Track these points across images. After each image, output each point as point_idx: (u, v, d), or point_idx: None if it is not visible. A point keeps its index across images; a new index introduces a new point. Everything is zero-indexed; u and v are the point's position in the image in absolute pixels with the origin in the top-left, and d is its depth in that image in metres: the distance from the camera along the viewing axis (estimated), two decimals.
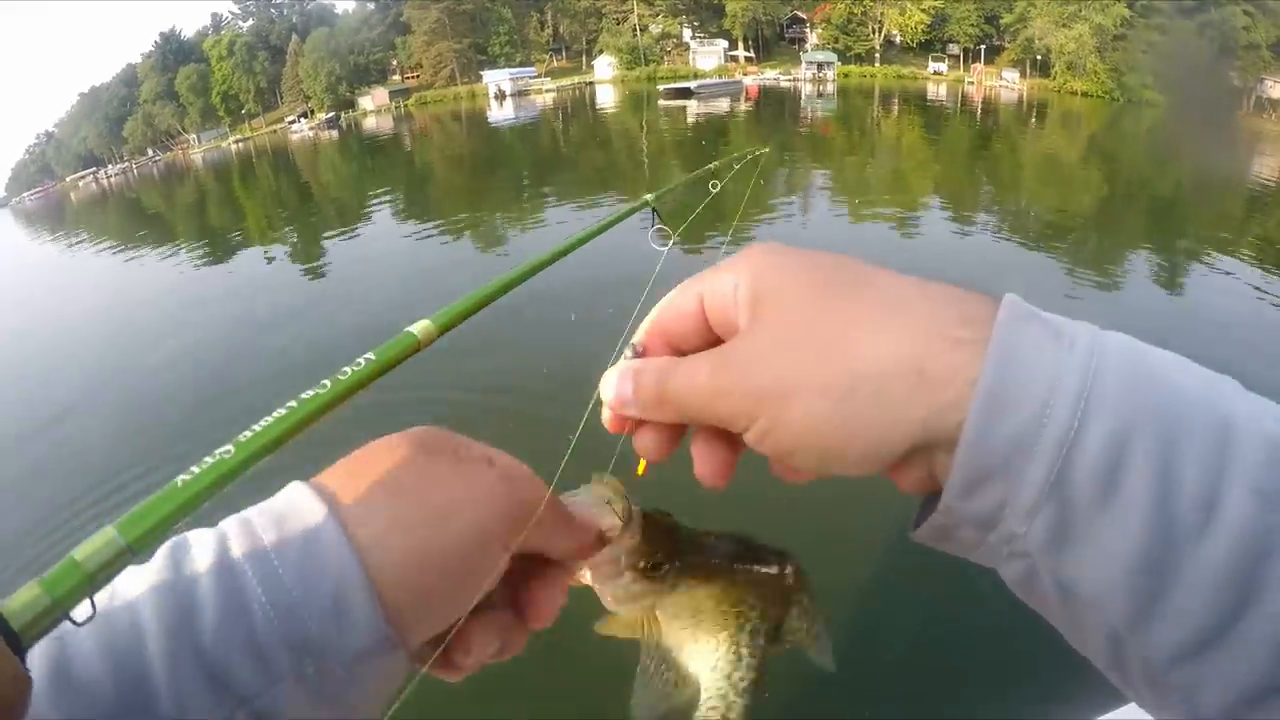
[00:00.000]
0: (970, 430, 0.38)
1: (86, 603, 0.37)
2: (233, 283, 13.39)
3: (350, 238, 15.96)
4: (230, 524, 0.45)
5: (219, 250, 15.66)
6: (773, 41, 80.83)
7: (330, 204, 22.18)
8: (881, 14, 73.92)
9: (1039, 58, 72.87)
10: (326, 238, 16.16)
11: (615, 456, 0.60)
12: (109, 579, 0.38)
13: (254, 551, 0.43)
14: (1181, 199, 25.49)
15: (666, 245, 1.15)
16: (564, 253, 0.91)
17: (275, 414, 0.47)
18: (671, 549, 0.60)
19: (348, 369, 0.51)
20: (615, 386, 0.51)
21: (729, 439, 0.50)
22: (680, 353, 0.50)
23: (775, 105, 51.05)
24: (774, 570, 0.63)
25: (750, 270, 0.47)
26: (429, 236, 15.25)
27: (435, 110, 57.77)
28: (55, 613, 0.36)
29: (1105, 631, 0.38)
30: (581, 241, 0.98)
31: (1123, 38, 70.90)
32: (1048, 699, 3.08)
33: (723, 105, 47.66)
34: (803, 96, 58.61)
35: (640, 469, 0.59)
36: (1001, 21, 75.78)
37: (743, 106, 48.42)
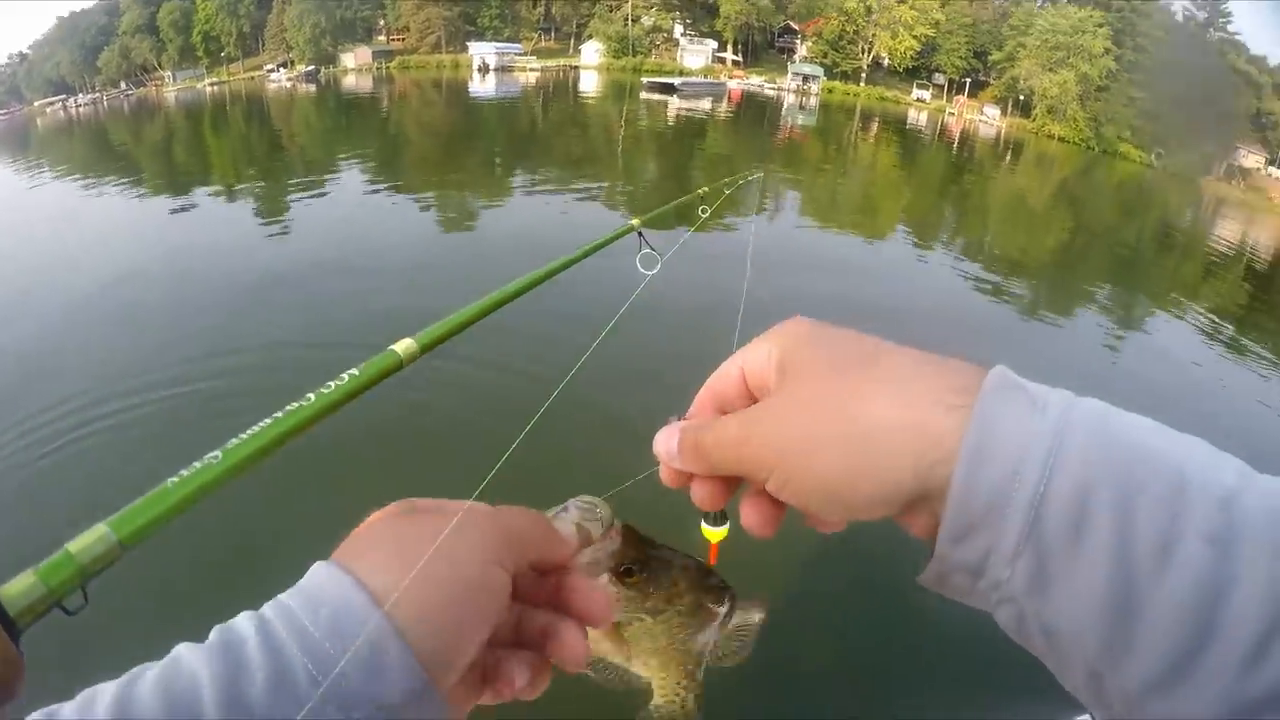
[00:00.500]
0: (956, 483, 0.43)
1: (79, 593, 0.40)
2: (190, 227, 13.03)
3: (316, 195, 15.59)
4: (266, 606, 0.48)
5: (181, 192, 15.24)
6: (762, 48, 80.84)
7: (300, 159, 21.75)
8: (873, 35, 74.15)
9: (1022, 98, 73.67)
10: (292, 192, 15.77)
11: (631, 482, 0.67)
12: (99, 572, 0.41)
13: (289, 618, 0.46)
14: (1142, 254, 25.82)
15: (653, 269, 1.21)
16: (549, 275, 0.93)
17: (261, 424, 0.50)
18: (643, 559, 0.67)
19: (331, 384, 0.56)
20: (663, 443, 0.58)
21: (772, 496, 0.55)
22: (724, 413, 0.57)
23: (756, 112, 51.04)
24: (720, 604, 0.71)
25: (781, 342, 0.54)
26: (395, 203, 14.96)
27: (417, 76, 57.31)
28: (49, 601, 0.39)
29: (1086, 668, 0.42)
30: (567, 265, 1.01)
31: (1106, 89, 71.82)
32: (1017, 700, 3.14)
33: (704, 105, 47.61)
34: (785, 106, 59.02)
35: (711, 556, 0.70)
36: (989, 58, 76.50)
37: (724, 109, 48.40)
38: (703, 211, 1.70)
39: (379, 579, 0.48)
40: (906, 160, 37.32)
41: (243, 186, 16.61)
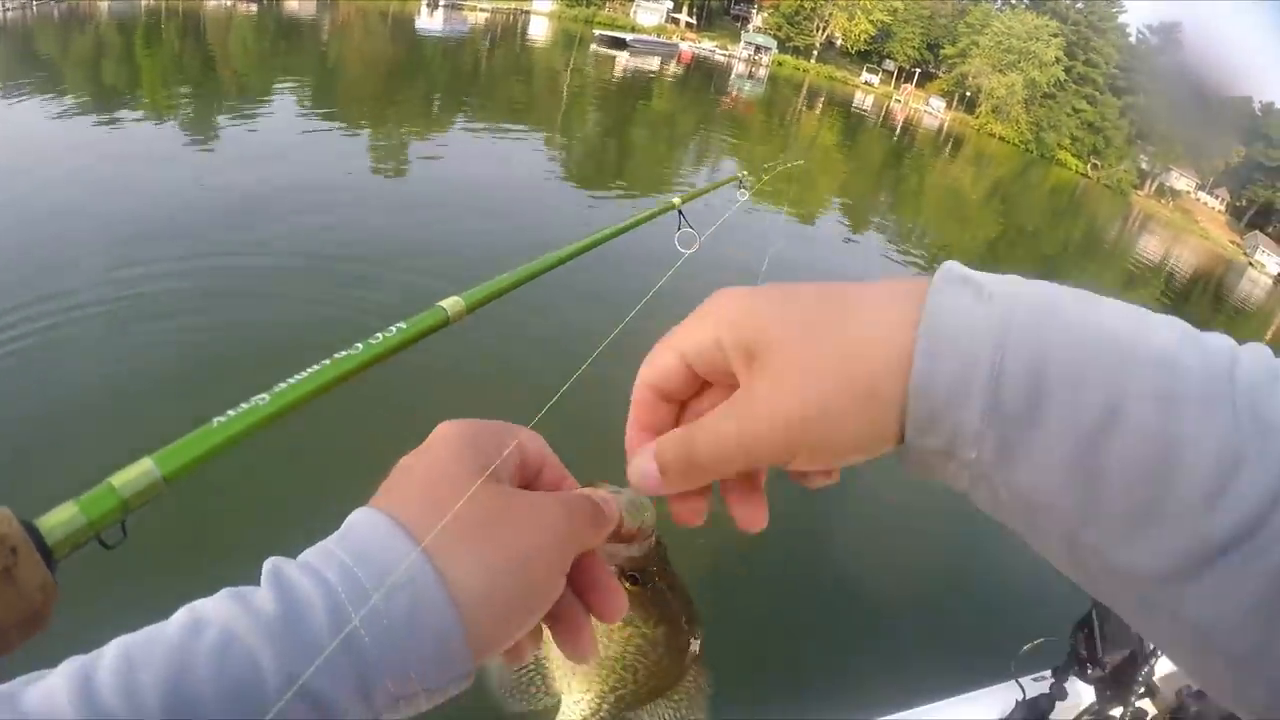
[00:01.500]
0: (915, 378, 0.44)
1: (118, 527, 0.40)
2: (112, 144, 12.26)
3: (247, 120, 14.79)
4: (331, 569, 0.45)
5: (107, 109, 14.30)
6: (717, 14, 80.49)
7: (234, 82, 20.80)
8: (830, 15, 74.27)
9: (968, 94, 74.55)
10: (223, 117, 14.93)
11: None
12: (141, 505, 0.41)
13: (362, 601, 0.44)
14: (1067, 257, 26.16)
15: (691, 248, 1.24)
16: (591, 245, 0.96)
17: (309, 370, 0.51)
18: (654, 577, 0.67)
19: (379, 335, 0.57)
20: (641, 471, 0.54)
21: (752, 479, 0.56)
22: (674, 403, 0.56)
23: (704, 76, 50.92)
24: (687, 647, 0.72)
25: (726, 321, 0.51)
26: (327, 135, 14.28)
27: (362, 4, 55.69)
28: (89, 533, 0.39)
29: (1060, 532, 0.44)
30: (610, 236, 1.05)
31: (1052, 97, 73.13)
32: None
33: (653, 64, 47.14)
34: (733, 74, 58.09)
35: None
36: (942, 51, 77.33)
37: (672, 69, 48.02)
38: (741, 195, 1.70)
39: (460, 585, 0.46)
40: (848, 140, 37.48)
41: (171, 108, 15.74)
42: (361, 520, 0.48)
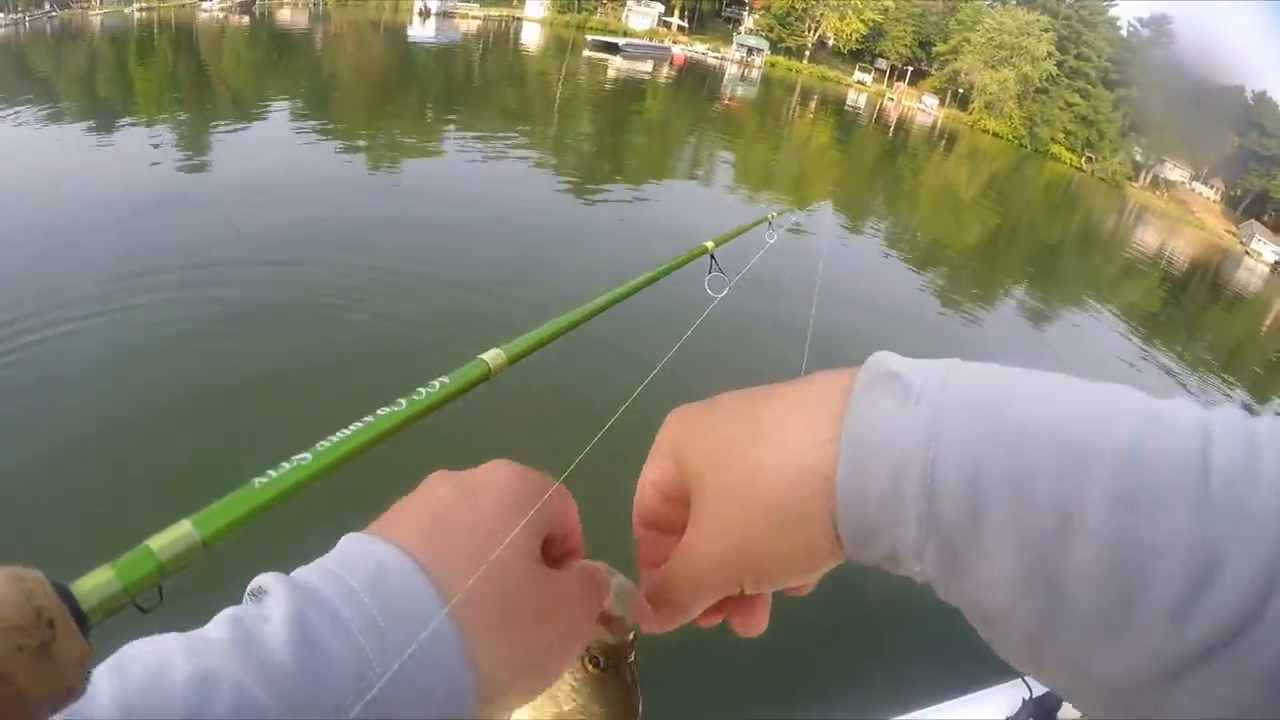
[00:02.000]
0: (841, 495, 0.43)
1: (155, 591, 0.39)
2: (106, 160, 12.26)
3: (241, 133, 14.79)
4: (361, 623, 0.43)
5: (102, 125, 14.29)
6: (709, 17, 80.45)
7: (227, 95, 20.76)
8: (821, 15, 74.19)
9: (961, 91, 74.54)
10: (217, 130, 14.90)
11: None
12: (178, 570, 0.40)
13: (374, 636, 0.42)
14: (1064, 251, 26.16)
15: (723, 291, 1.25)
16: (628, 294, 0.98)
17: (353, 427, 0.51)
18: (618, 666, 0.64)
19: (422, 390, 0.57)
20: (640, 610, 0.56)
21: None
22: (676, 533, 0.54)
23: (697, 79, 50.86)
24: None
25: (668, 450, 0.53)
26: (322, 147, 14.31)
27: (355, 15, 55.63)
28: (125, 599, 0.37)
29: (1019, 640, 0.41)
30: (647, 283, 1.07)
31: (1045, 92, 73.14)
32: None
33: (646, 68, 47.10)
34: (726, 76, 57.90)
35: None
36: (933, 49, 77.33)
37: (665, 73, 48.02)
38: (770, 237, 1.70)
39: (487, 663, 0.45)
40: (842, 139, 37.49)
41: (165, 121, 15.74)
42: (394, 569, 0.45)
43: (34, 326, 6.10)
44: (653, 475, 0.54)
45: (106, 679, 0.38)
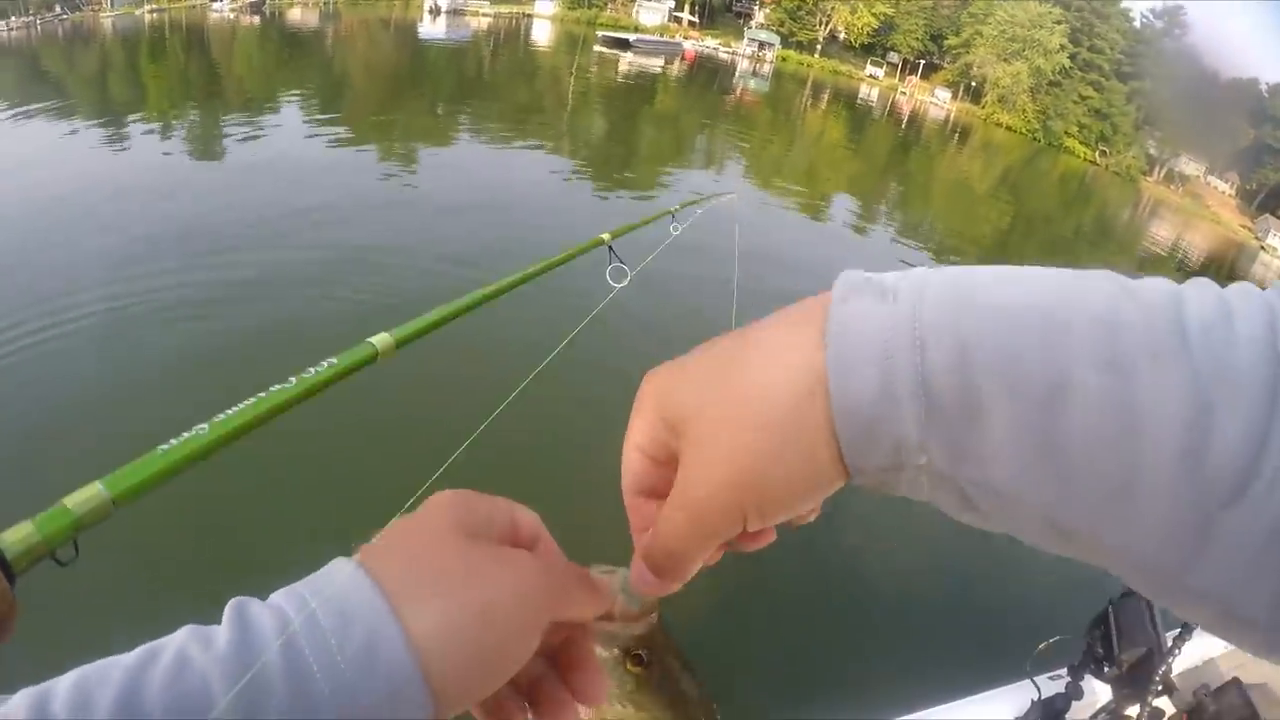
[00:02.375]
0: (835, 403, 0.42)
1: (71, 545, 0.44)
2: (119, 160, 12.30)
3: (254, 135, 14.80)
4: (291, 605, 0.46)
5: (114, 126, 14.34)
6: (719, 12, 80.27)
7: (239, 95, 20.82)
8: (832, 9, 74.00)
9: (974, 84, 74.23)
10: (229, 131, 14.93)
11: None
12: (91, 526, 0.45)
13: (319, 645, 0.44)
14: (1079, 245, 26.02)
15: (622, 282, 1.27)
16: (522, 280, 0.98)
17: (246, 402, 0.54)
18: (660, 656, 0.66)
19: (312, 370, 0.60)
20: (638, 577, 0.55)
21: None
22: (662, 497, 0.53)
23: (709, 74, 50.80)
24: None
25: (653, 404, 0.52)
26: (334, 146, 14.29)
27: (365, 13, 55.58)
28: (44, 550, 0.43)
29: (1041, 522, 0.41)
30: (541, 271, 1.07)
31: (1058, 85, 72.77)
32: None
33: (657, 64, 47.07)
34: (738, 71, 58.18)
35: None
36: (945, 42, 76.98)
37: (676, 69, 47.96)
38: (674, 229, 1.70)
39: (422, 632, 0.46)
40: (855, 134, 37.40)
41: (177, 121, 15.77)
42: (333, 566, 0.48)
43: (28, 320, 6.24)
44: (637, 438, 0.53)
45: (74, 670, 0.42)
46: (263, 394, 0.55)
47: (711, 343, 0.51)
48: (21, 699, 0.41)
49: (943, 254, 15.29)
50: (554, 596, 0.53)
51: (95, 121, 14.44)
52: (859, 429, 0.42)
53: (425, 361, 6.24)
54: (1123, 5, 74.60)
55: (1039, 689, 2.63)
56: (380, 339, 0.65)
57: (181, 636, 0.44)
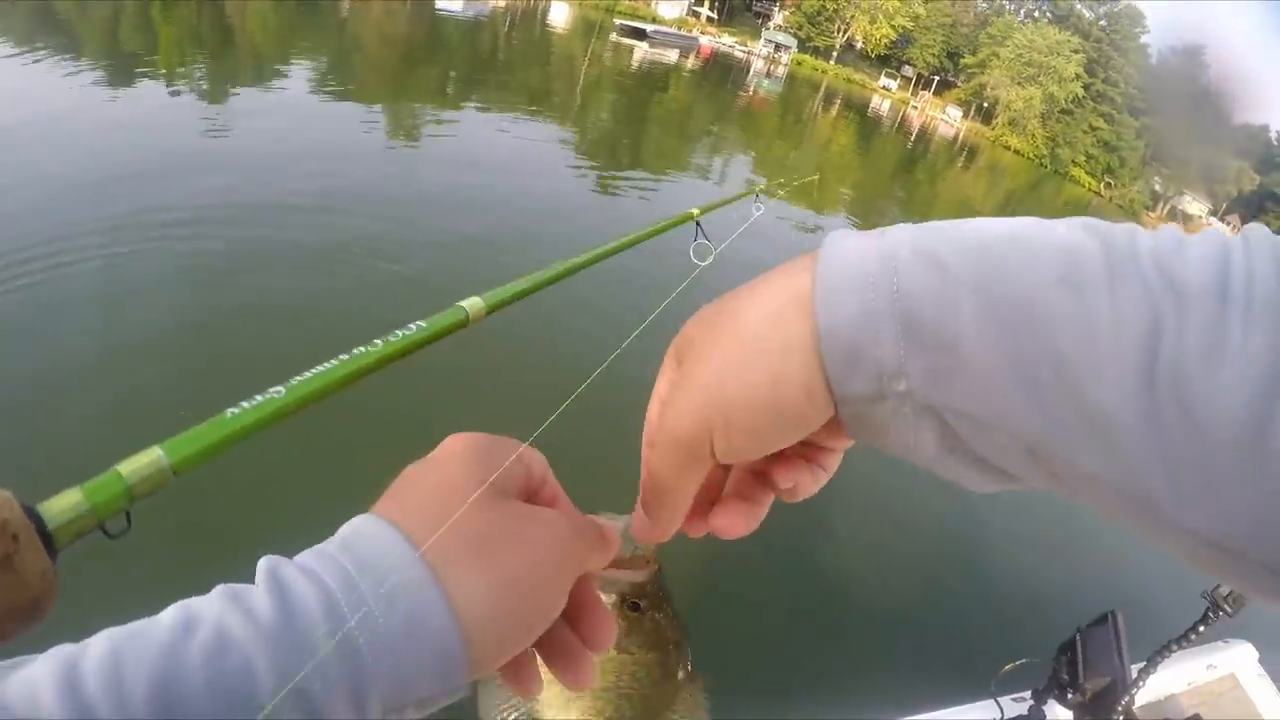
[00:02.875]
0: (817, 322, 0.44)
1: (123, 516, 0.40)
2: (126, 110, 12.17)
3: (263, 93, 14.70)
4: (329, 572, 0.45)
5: (121, 76, 14.22)
6: (739, 10, 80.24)
7: (250, 53, 20.72)
8: (852, 17, 73.98)
9: (985, 105, 74.36)
10: (236, 88, 14.79)
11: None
12: (148, 495, 0.40)
13: (365, 618, 0.43)
14: None
15: (707, 259, 1.24)
16: (610, 253, 0.99)
17: (326, 365, 0.52)
18: (654, 604, 0.69)
19: (399, 332, 0.57)
20: (638, 526, 0.57)
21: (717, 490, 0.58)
22: None
23: (722, 71, 50.73)
24: (682, 668, 0.74)
25: (671, 352, 0.53)
26: (342, 112, 14.11)
27: None
28: (93, 521, 0.38)
29: (1021, 449, 0.42)
30: (628, 244, 1.07)
31: (1069, 113, 72.97)
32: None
33: (671, 56, 46.97)
34: (752, 71, 57.83)
35: None
36: (961, 60, 77.12)
37: (690, 63, 47.87)
38: (757, 209, 1.65)
39: (463, 601, 0.46)
40: (863, 144, 37.37)
41: (185, 76, 15.66)
42: (366, 528, 0.48)
43: (38, 255, 6.10)
44: (660, 387, 0.54)
45: (102, 633, 0.40)
46: (344, 356, 0.52)
47: (729, 291, 0.52)
48: (47, 666, 0.38)
49: None
50: (582, 554, 0.54)
51: (105, 70, 14.33)
52: (840, 350, 0.43)
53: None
54: (1141, 40, 74.71)
55: (1002, 709, 2.64)
56: (471, 303, 0.63)
57: (218, 604, 0.42)
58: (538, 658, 0.56)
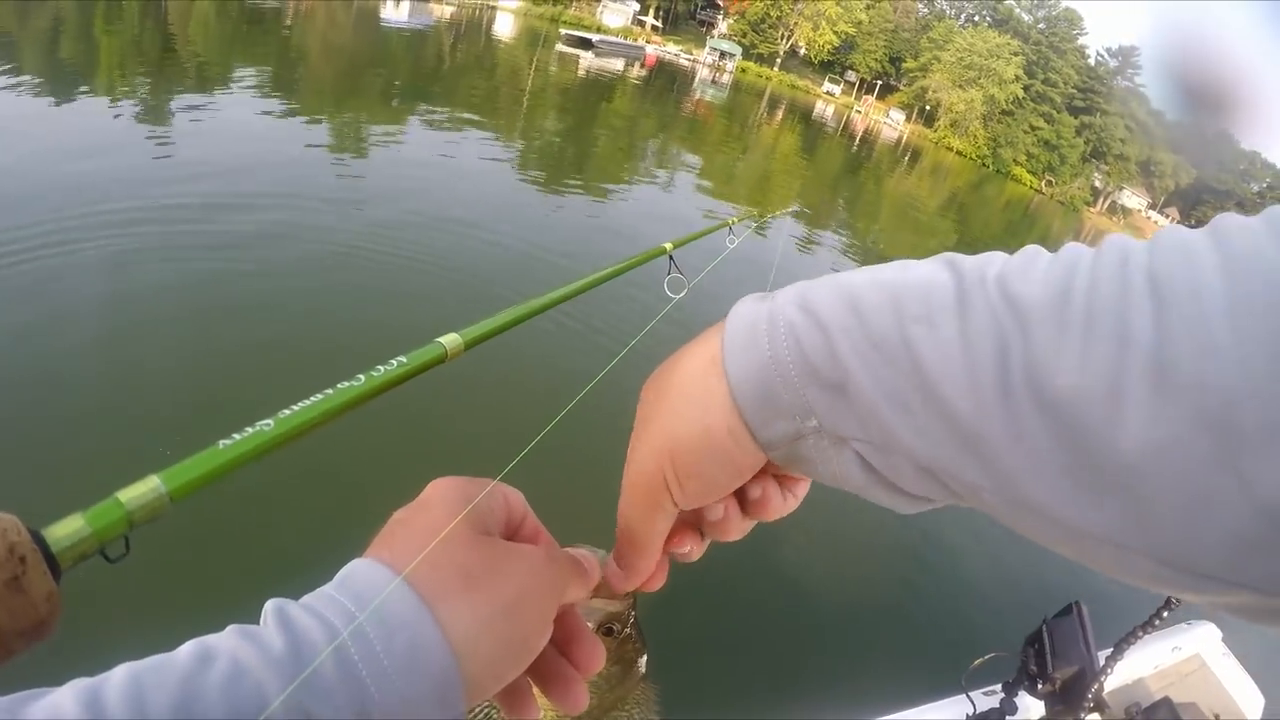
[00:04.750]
0: (729, 383, 0.50)
1: (122, 541, 0.42)
2: (67, 123, 11.95)
3: (206, 107, 14.48)
4: (331, 611, 0.48)
5: (62, 89, 13.97)
6: (683, 18, 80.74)
7: (193, 66, 20.42)
8: (795, 24, 74.73)
9: (928, 108, 75.32)
10: (179, 101, 14.54)
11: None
12: (146, 522, 0.42)
13: (366, 651, 0.46)
14: None
15: (681, 292, 1.27)
16: (587, 288, 0.99)
17: (313, 398, 0.54)
18: (625, 625, 0.72)
19: (380, 368, 0.60)
20: (610, 573, 0.63)
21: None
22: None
23: (668, 80, 50.76)
24: (638, 670, 0.78)
25: (637, 415, 0.58)
26: (285, 125, 13.94)
27: None
28: (94, 546, 0.40)
29: (918, 467, 0.46)
30: (604, 279, 1.07)
31: (1010, 114, 74.12)
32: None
33: (617, 66, 46.93)
34: (697, 78, 58.04)
35: None
36: (903, 65, 78.16)
37: (636, 72, 47.85)
38: (730, 241, 1.69)
39: (458, 635, 0.50)
40: (808, 149, 37.65)
41: (127, 89, 15.39)
42: (361, 569, 0.50)
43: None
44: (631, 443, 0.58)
45: (122, 666, 0.42)
46: (330, 391, 0.54)
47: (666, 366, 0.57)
48: (70, 693, 0.40)
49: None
50: (562, 585, 0.58)
51: (44, 83, 14.07)
52: (751, 400, 0.49)
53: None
54: (1079, 42, 76.13)
55: (974, 704, 2.64)
56: (449, 339, 0.66)
57: (232, 639, 0.44)
58: (533, 686, 0.60)
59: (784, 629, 4.71)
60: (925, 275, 0.45)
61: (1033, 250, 0.44)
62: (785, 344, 0.47)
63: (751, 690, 4.17)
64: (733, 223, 1.83)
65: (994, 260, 0.44)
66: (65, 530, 0.39)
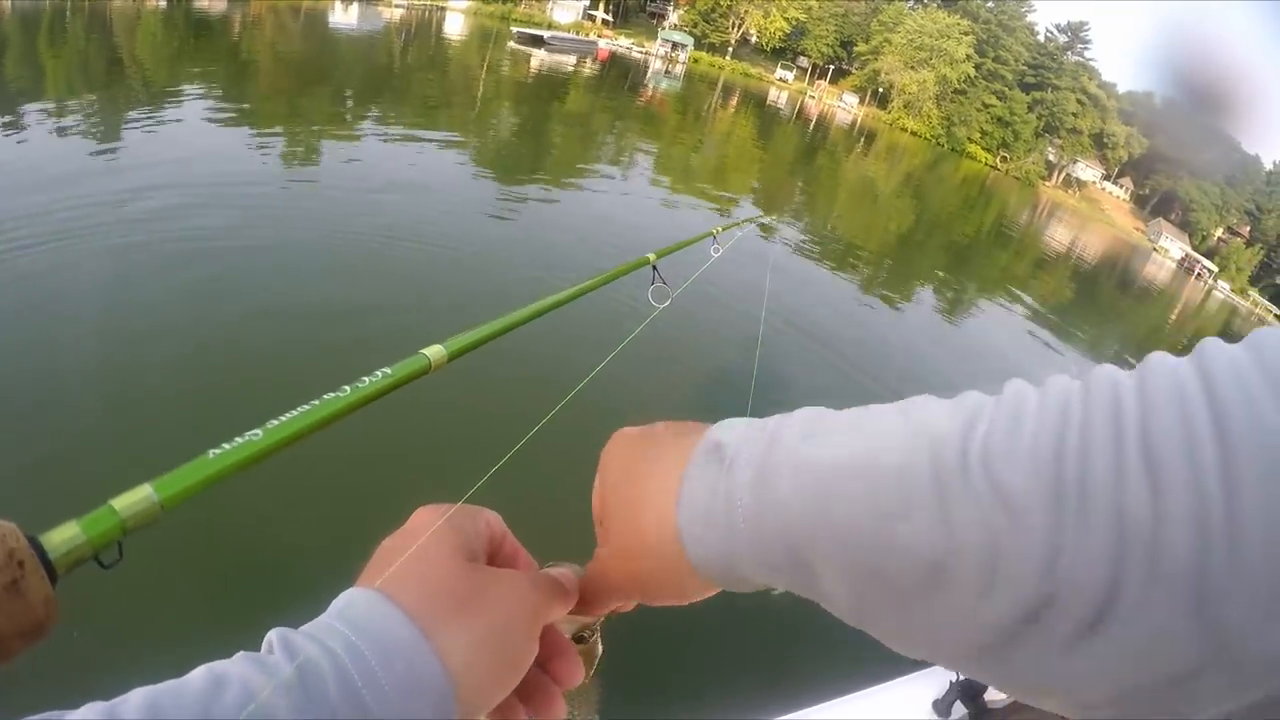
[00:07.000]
0: (690, 555, 0.52)
1: (115, 548, 0.43)
2: (12, 146, 11.81)
3: (154, 124, 14.31)
4: (333, 640, 0.50)
5: (8, 107, 13.83)
6: (633, 11, 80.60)
7: (141, 82, 20.16)
8: (745, 12, 74.79)
9: (881, 90, 75.60)
10: (129, 119, 14.36)
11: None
12: (138, 530, 0.44)
13: (368, 676, 0.48)
14: (979, 246, 26.69)
15: (665, 302, 1.29)
16: (572, 297, 1.03)
17: (299, 409, 0.56)
18: (594, 635, 0.72)
19: (366, 379, 0.61)
20: (586, 602, 0.65)
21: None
22: None
23: (621, 73, 50.68)
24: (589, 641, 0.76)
25: (598, 480, 0.63)
26: (236, 137, 13.64)
27: (274, 0, 54.68)
28: (89, 552, 0.42)
29: (886, 636, 0.46)
30: (590, 289, 1.10)
31: (963, 93, 74.53)
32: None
33: (570, 61, 46.86)
34: (650, 71, 58.14)
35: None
36: (855, 49, 78.36)
37: (589, 67, 47.78)
38: (714, 251, 1.74)
39: (455, 662, 0.52)
40: (763, 136, 37.74)
41: (76, 109, 15.20)
42: (357, 598, 0.53)
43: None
44: (597, 488, 0.63)
45: (137, 690, 0.43)
46: (316, 402, 0.57)
47: (635, 438, 0.62)
48: (89, 714, 0.41)
49: (847, 256, 15.53)
50: (546, 607, 0.60)
51: None
52: (715, 572, 0.52)
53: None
54: (1028, 20, 76.73)
55: (957, 671, 2.71)
56: (433, 350, 0.68)
57: (241, 666, 0.46)
58: (520, 705, 0.62)
59: (764, 603, 4.77)
60: (899, 461, 0.42)
61: (1016, 402, 0.41)
62: (745, 532, 0.48)
63: (734, 665, 4.30)
64: (717, 232, 1.87)
65: (975, 429, 0.41)
66: (61, 537, 0.40)
